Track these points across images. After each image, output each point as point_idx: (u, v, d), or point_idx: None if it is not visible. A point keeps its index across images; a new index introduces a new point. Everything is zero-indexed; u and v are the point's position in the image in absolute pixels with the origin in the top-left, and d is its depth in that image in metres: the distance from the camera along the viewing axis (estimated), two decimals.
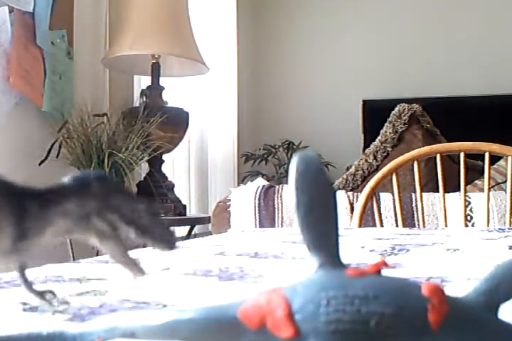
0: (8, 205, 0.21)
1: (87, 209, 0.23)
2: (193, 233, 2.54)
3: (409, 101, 2.36)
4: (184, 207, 2.45)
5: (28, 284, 0.25)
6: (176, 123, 2.40)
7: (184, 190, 3.11)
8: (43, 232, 0.22)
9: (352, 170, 2.17)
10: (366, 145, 2.66)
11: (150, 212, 0.23)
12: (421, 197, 1.50)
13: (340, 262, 0.22)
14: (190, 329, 0.22)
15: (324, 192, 0.22)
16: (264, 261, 0.63)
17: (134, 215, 0.23)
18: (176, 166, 3.06)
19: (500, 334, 0.20)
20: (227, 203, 1.96)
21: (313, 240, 0.22)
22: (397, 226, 1.73)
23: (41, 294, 0.26)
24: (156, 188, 2.33)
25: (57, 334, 0.25)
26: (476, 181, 2.07)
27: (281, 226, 1.88)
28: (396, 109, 2.22)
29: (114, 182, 0.23)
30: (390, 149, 2.14)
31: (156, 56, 2.42)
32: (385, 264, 0.22)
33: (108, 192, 0.23)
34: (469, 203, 1.78)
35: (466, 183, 1.58)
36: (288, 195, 1.91)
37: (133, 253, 0.23)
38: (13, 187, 0.22)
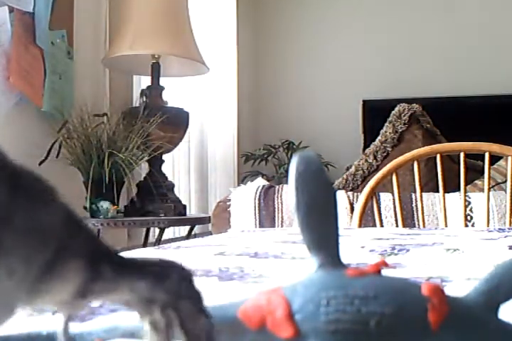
0: (86, 261, 0.20)
1: (154, 297, 0.22)
2: (193, 233, 2.54)
3: (409, 101, 2.36)
4: (184, 207, 2.45)
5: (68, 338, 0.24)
6: (176, 123, 2.40)
7: (184, 190, 3.11)
8: (103, 296, 0.22)
9: (352, 170, 2.17)
10: (366, 145, 2.66)
11: (209, 333, 0.23)
12: (421, 197, 1.50)
13: (340, 262, 0.22)
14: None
15: (324, 192, 0.22)
16: (264, 261, 0.63)
17: (192, 326, 0.22)
18: (176, 166, 3.06)
19: (500, 334, 0.20)
20: (227, 203, 1.96)
21: (313, 240, 0.22)
22: (397, 226, 1.73)
23: None
24: (156, 188, 2.33)
25: (57, 334, 0.25)
26: (476, 181, 2.07)
27: (282, 226, 1.88)
28: (396, 109, 2.22)
29: (194, 288, 0.22)
30: (390, 149, 2.14)
31: (156, 56, 2.42)
32: (385, 264, 0.22)
33: (180, 294, 0.22)
34: (469, 203, 1.78)
35: (466, 183, 1.58)
36: (288, 194, 1.91)
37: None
38: (94, 245, 0.21)
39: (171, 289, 0.22)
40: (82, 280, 0.21)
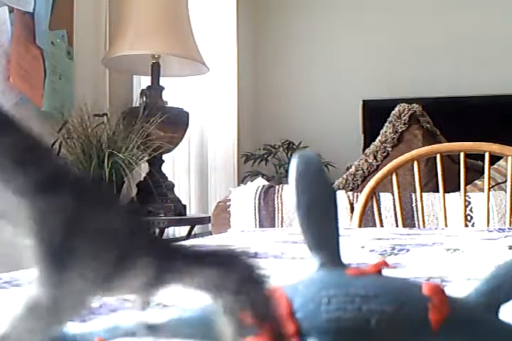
0: (151, 261, 0.21)
1: (223, 284, 0.22)
2: (193, 233, 2.54)
3: (409, 101, 2.36)
4: (184, 207, 2.45)
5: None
6: (176, 123, 2.40)
7: (184, 190, 3.11)
8: (175, 284, 0.23)
9: (352, 170, 2.17)
10: (366, 145, 2.66)
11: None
12: (421, 197, 1.50)
13: (340, 261, 0.22)
14: (191, 329, 0.22)
15: (324, 192, 0.22)
16: (264, 261, 0.63)
17: (262, 311, 0.23)
18: (176, 166, 3.06)
19: (501, 335, 0.20)
20: (227, 203, 1.96)
21: (313, 240, 0.22)
22: (397, 226, 1.73)
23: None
24: (156, 188, 2.33)
25: (58, 333, 0.24)
26: (476, 181, 2.07)
27: (281, 226, 1.88)
28: (396, 109, 2.22)
29: (260, 276, 0.22)
30: (390, 149, 2.14)
31: (156, 56, 2.42)
32: (385, 264, 0.22)
33: (247, 282, 0.22)
34: (469, 203, 1.78)
35: (466, 183, 1.58)
36: (288, 194, 1.91)
37: None
38: (166, 241, 0.22)
39: (240, 277, 0.22)
40: (152, 275, 0.21)
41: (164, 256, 0.21)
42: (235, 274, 0.22)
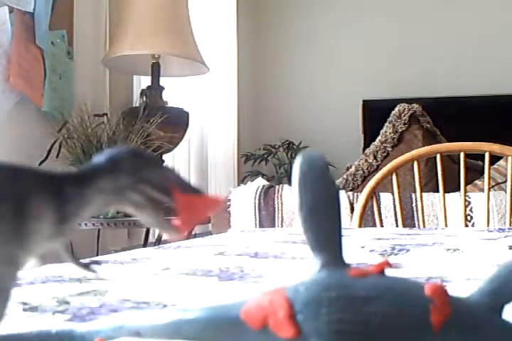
0: (47, 192, 0.23)
1: (120, 184, 0.25)
2: (193, 233, 2.54)
3: (409, 101, 2.36)
4: None
5: (76, 261, 0.29)
6: (176, 123, 2.40)
7: None
8: (82, 212, 0.25)
9: (352, 170, 2.17)
10: (366, 145, 2.66)
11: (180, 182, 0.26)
12: (421, 197, 1.50)
13: (343, 262, 0.22)
14: (193, 329, 0.22)
15: (327, 192, 0.22)
16: (264, 261, 0.63)
17: (166, 184, 0.26)
18: (176, 166, 3.06)
19: (504, 335, 0.20)
20: (227, 203, 1.96)
21: (316, 240, 0.22)
22: (397, 226, 1.72)
23: (87, 266, 0.30)
24: None
25: (66, 332, 0.25)
26: (476, 181, 2.07)
27: (282, 226, 1.88)
28: (396, 109, 2.22)
29: (147, 157, 0.25)
30: (390, 149, 2.14)
31: (156, 56, 2.42)
32: (388, 264, 0.22)
33: (140, 167, 0.25)
34: (469, 203, 1.78)
35: (466, 183, 1.58)
36: (291, 194, 1.91)
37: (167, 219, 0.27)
38: (50, 174, 0.24)
39: (129, 168, 0.25)
40: (55, 208, 0.23)
41: (56, 189, 0.24)
42: (124, 172, 0.25)
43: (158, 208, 0.26)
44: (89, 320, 0.36)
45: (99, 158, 0.25)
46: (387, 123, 2.21)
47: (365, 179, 2.10)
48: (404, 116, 2.17)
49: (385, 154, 2.14)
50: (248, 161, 3.89)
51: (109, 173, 0.25)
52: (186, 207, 0.26)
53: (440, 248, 0.73)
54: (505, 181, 1.61)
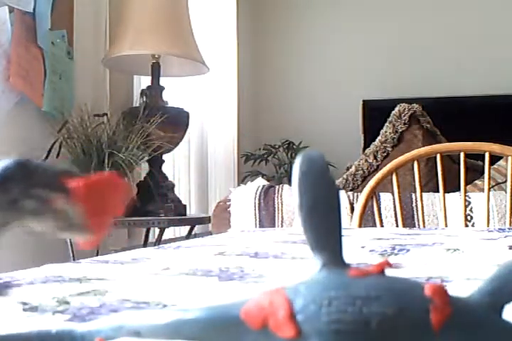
0: None
1: (12, 195, 0.23)
2: (193, 233, 2.54)
3: (409, 101, 2.36)
4: (184, 207, 2.45)
5: None
6: (176, 123, 2.40)
7: (184, 190, 3.11)
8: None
9: (352, 170, 2.17)
10: (366, 145, 2.66)
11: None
12: (421, 197, 1.50)
13: (343, 262, 0.22)
14: (193, 329, 0.22)
15: (327, 192, 0.22)
16: (264, 261, 0.63)
17: (57, 181, 0.24)
18: (176, 166, 3.06)
19: (504, 335, 0.20)
20: (227, 203, 1.96)
21: (316, 240, 0.22)
22: (397, 226, 1.72)
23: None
24: (156, 188, 2.33)
25: (66, 332, 0.25)
26: (476, 181, 2.07)
27: (282, 226, 1.88)
28: (396, 109, 2.22)
29: (31, 162, 0.24)
30: (390, 149, 2.14)
31: (156, 56, 2.42)
32: (388, 264, 0.22)
33: (27, 173, 0.24)
34: (469, 203, 1.78)
35: (466, 183, 1.58)
36: (291, 194, 1.91)
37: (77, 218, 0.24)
38: None
39: (17, 177, 0.24)
40: None
41: None
42: (10, 181, 0.23)
43: (59, 211, 0.24)
44: (89, 320, 0.36)
45: None
46: (387, 123, 2.21)
47: (365, 179, 2.10)
48: (404, 116, 2.17)
49: (385, 154, 2.14)
50: (248, 161, 3.89)
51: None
52: (90, 197, 0.24)
53: (440, 248, 0.73)
54: (506, 181, 1.61)
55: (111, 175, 0.26)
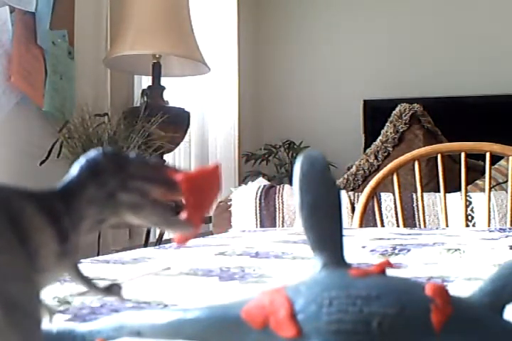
0: (39, 210, 0.21)
1: (109, 188, 0.22)
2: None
3: (410, 101, 2.36)
4: None
5: (89, 283, 0.25)
6: (177, 123, 2.40)
7: None
8: (79, 228, 0.22)
9: (353, 170, 2.17)
10: (367, 145, 2.66)
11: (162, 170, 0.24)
12: (422, 197, 1.50)
13: (344, 262, 0.22)
14: (194, 329, 0.22)
15: (328, 192, 0.22)
16: (265, 261, 0.63)
17: (154, 173, 0.23)
18: (176, 166, 3.06)
19: (504, 335, 0.20)
20: (228, 203, 1.96)
21: (317, 240, 0.22)
22: (397, 226, 1.72)
23: (108, 289, 0.25)
24: None
25: (67, 332, 0.25)
26: (477, 181, 2.07)
27: (282, 226, 1.88)
28: (397, 108, 2.22)
29: (121, 153, 0.23)
30: (390, 149, 2.14)
31: (157, 56, 2.42)
32: (389, 264, 0.22)
33: (121, 163, 0.23)
34: (470, 203, 1.78)
35: (467, 183, 1.57)
36: (292, 194, 1.91)
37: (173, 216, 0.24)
38: (34, 192, 0.22)
39: (110, 169, 0.23)
40: (50, 225, 0.21)
41: (45, 207, 0.21)
42: (105, 173, 0.22)
43: (159, 204, 0.23)
44: (89, 319, 0.36)
45: (76, 168, 0.23)
46: (388, 123, 2.21)
47: (365, 179, 2.10)
48: (405, 116, 2.17)
49: (386, 154, 2.14)
50: (249, 161, 3.89)
51: (93, 179, 0.22)
52: (192, 191, 0.23)
53: (441, 248, 0.73)
54: (506, 181, 1.61)
55: (213, 168, 0.25)
